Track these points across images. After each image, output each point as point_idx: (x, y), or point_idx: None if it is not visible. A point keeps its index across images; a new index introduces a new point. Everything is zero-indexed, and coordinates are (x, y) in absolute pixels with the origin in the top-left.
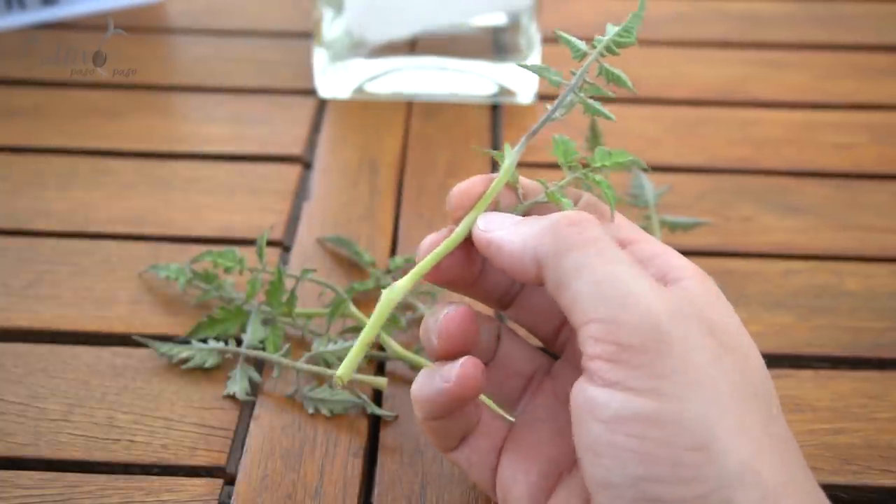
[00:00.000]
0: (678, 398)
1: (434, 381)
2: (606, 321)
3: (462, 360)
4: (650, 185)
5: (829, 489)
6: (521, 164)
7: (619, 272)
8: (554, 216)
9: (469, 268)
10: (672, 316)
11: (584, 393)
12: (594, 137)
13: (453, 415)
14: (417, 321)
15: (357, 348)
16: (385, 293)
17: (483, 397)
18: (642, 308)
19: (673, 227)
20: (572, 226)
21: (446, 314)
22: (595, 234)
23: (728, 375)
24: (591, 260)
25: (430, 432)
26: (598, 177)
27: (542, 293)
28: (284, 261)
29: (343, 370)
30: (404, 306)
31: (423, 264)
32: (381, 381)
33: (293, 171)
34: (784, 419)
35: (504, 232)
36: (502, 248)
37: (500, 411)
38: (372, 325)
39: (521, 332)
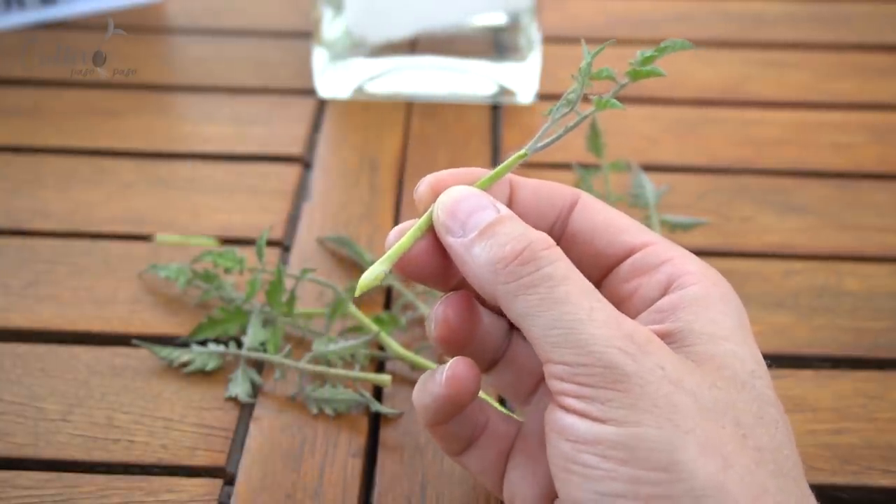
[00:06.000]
0: (637, 424)
1: (428, 386)
2: (564, 364)
3: (452, 360)
4: (651, 185)
5: (829, 489)
6: (521, 164)
7: (568, 314)
8: (507, 249)
9: (441, 260)
10: (626, 349)
11: (554, 417)
12: (594, 136)
13: (456, 419)
14: (418, 321)
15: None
16: (361, 279)
17: (489, 399)
18: (596, 350)
19: (673, 227)
20: (523, 265)
21: (445, 298)
22: (546, 272)
23: (695, 394)
24: (538, 304)
25: (436, 437)
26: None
27: None
28: (284, 261)
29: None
30: (404, 306)
31: (396, 248)
32: (385, 379)
33: (293, 170)
34: (776, 426)
35: (463, 249)
36: (463, 268)
37: (507, 412)
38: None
39: None
